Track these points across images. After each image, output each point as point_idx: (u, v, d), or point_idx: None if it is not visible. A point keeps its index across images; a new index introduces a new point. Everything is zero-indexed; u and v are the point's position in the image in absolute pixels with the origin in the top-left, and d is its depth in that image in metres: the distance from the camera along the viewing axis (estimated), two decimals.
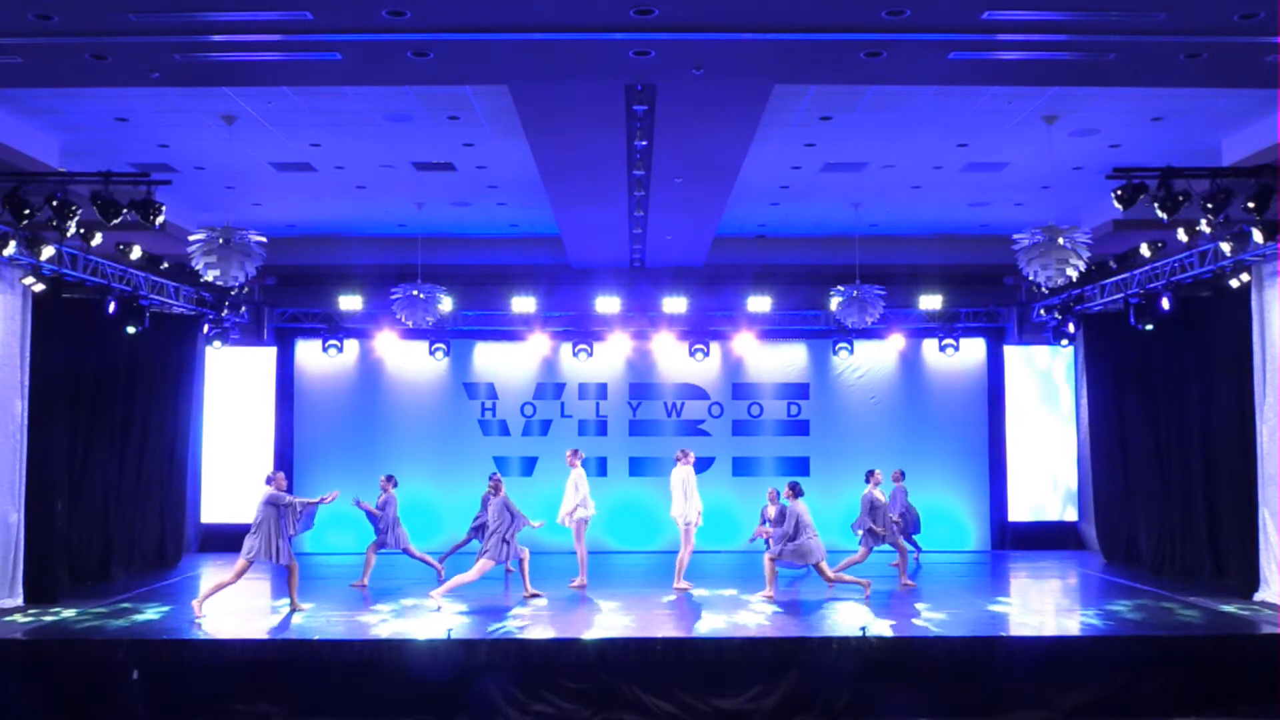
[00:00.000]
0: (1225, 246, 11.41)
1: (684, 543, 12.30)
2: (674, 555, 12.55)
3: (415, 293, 14.26)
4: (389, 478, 12.98)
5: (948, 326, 16.63)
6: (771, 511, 12.20)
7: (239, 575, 10.58)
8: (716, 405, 17.01)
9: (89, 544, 13.48)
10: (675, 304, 16.16)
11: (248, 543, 10.53)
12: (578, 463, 12.72)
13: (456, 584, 11.06)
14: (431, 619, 10.32)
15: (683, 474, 12.33)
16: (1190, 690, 9.06)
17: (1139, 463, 14.68)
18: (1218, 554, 13.14)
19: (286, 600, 10.93)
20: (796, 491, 11.54)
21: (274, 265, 13.67)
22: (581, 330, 16.62)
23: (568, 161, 10.73)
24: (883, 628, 9.80)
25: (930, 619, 10.29)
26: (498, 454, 16.78)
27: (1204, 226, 10.32)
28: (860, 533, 12.56)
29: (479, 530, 13.14)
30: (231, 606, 11.06)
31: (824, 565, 11.45)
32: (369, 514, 12.73)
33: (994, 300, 16.93)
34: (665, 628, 10.03)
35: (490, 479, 11.82)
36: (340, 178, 12.45)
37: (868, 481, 12.64)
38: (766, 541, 12.07)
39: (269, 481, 10.82)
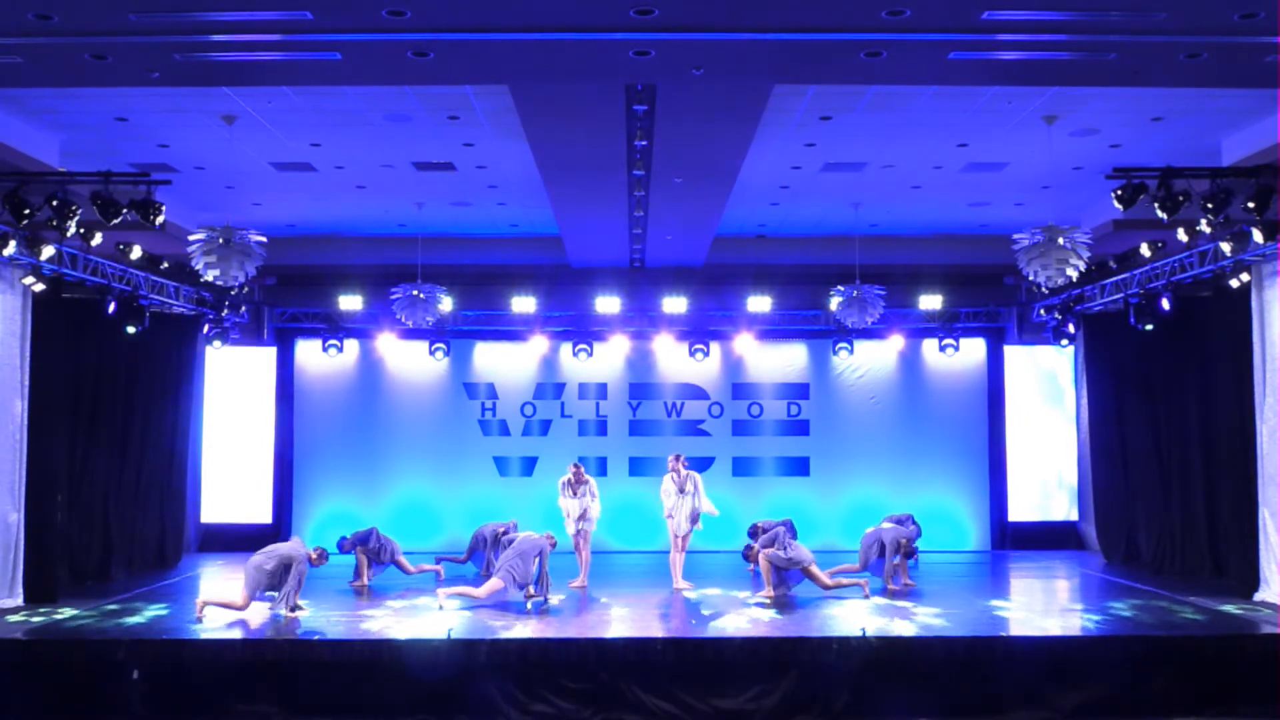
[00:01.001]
0: (1225, 246, 11.40)
1: (674, 543, 12.37)
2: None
3: (415, 293, 14.25)
4: (354, 542, 12.95)
5: (948, 326, 16.61)
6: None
7: (249, 601, 10.50)
8: (716, 405, 17.00)
9: (89, 544, 13.46)
10: (675, 304, 16.15)
11: (263, 589, 10.37)
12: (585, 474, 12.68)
13: (464, 593, 11.05)
14: (431, 619, 10.32)
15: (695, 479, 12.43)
16: (1190, 690, 9.06)
17: (1139, 463, 14.68)
18: (1218, 554, 13.15)
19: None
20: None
21: (274, 265, 13.65)
22: (581, 330, 16.60)
23: (568, 161, 10.72)
24: (883, 628, 9.80)
25: (930, 619, 10.30)
26: (498, 454, 16.79)
27: (1204, 226, 10.29)
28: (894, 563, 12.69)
29: (483, 546, 13.17)
30: None
31: (814, 569, 11.48)
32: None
33: (994, 300, 16.91)
34: (665, 628, 10.03)
35: (547, 535, 11.42)
36: (340, 178, 12.45)
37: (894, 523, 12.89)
38: (746, 548, 12.46)
39: (313, 551, 10.68)
